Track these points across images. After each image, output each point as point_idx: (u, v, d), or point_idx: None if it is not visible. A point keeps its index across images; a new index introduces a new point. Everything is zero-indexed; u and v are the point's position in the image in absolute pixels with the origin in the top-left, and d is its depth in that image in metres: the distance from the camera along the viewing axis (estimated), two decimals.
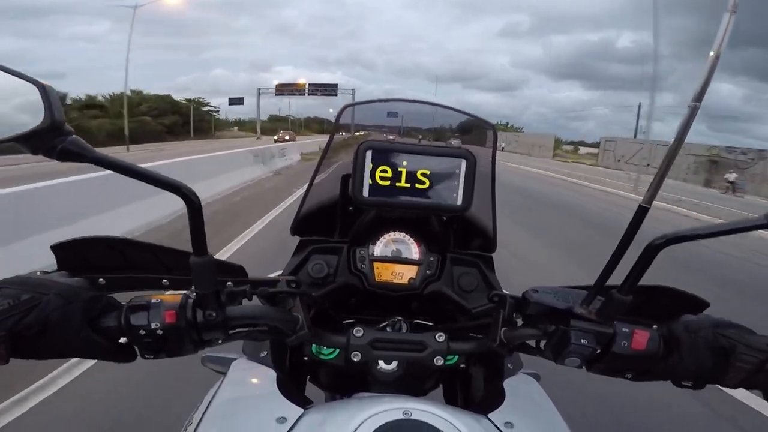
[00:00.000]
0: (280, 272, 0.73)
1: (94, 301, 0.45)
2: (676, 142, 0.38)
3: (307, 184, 0.75)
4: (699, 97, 0.36)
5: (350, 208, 0.75)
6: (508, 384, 0.64)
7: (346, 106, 0.72)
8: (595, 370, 0.52)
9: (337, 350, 0.70)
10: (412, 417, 0.47)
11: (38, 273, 0.47)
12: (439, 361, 0.61)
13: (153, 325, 0.45)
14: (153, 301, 0.46)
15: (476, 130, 0.78)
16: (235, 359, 0.74)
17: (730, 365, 0.47)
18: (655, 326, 0.53)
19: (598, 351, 0.49)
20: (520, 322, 0.58)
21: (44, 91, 0.35)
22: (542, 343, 0.54)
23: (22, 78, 0.35)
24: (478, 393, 0.75)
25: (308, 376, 0.81)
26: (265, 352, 0.71)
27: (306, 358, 0.72)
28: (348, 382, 0.73)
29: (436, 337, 0.61)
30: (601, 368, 0.51)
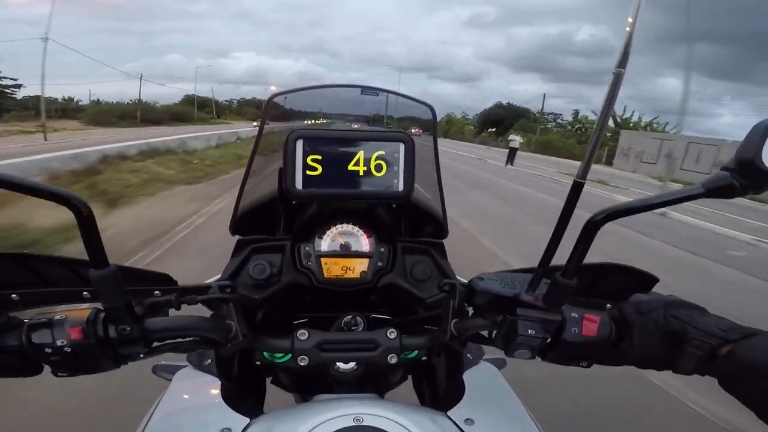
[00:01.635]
0: (219, 276, 0.69)
1: None
2: (605, 110, 0.36)
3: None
4: (622, 63, 0.35)
5: (292, 202, 0.71)
6: (468, 376, 0.62)
7: (274, 95, 0.68)
8: (549, 359, 0.50)
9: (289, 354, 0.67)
10: (363, 423, 0.45)
11: None
12: (393, 359, 0.59)
13: (59, 343, 0.42)
14: (56, 318, 0.43)
15: (419, 113, 0.75)
16: (183, 368, 0.71)
17: (682, 351, 0.45)
18: (608, 306, 0.53)
19: (549, 340, 0.48)
20: (471, 311, 0.57)
21: None
22: (494, 334, 0.52)
23: None
24: (442, 385, 0.73)
25: (270, 379, 0.77)
26: (209, 360, 0.67)
27: (258, 363, 0.68)
28: (310, 382, 0.71)
29: (388, 333, 0.59)
30: (554, 357, 0.50)
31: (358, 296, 0.73)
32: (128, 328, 0.44)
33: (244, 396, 0.65)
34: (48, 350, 0.43)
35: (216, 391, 0.58)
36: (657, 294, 0.52)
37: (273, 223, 0.73)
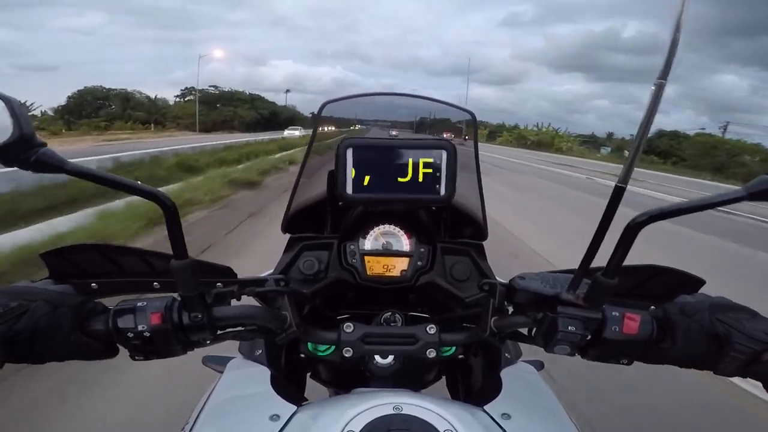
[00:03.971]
0: (272, 271, 0.74)
1: (81, 306, 0.47)
2: (646, 120, 0.37)
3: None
4: (664, 74, 0.36)
5: (339, 204, 0.75)
6: (506, 374, 0.63)
7: (325, 103, 0.72)
8: (589, 356, 0.51)
9: (333, 347, 0.70)
10: (402, 412, 0.47)
11: (25, 282, 0.48)
12: (431, 354, 0.61)
13: (140, 328, 0.46)
14: (139, 304, 0.47)
15: (461, 119, 0.78)
16: (234, 358, 0.75)
17: (724, 354, 0.45)
18: (652, 308, 0.53)
19: (589, 337, 0.48)
20: (511, 310, 0.58)
21: (10, 104, 0.35)
22: (533, 331, 0.53)
23: None
24: (477, 384, 0.75)
25: (309, 373, 0.82)
26: (260, 351, 0.71)
27: (303, 356, 0.73)
28: (348, 377, 0.74)
29: (428, 329, 0.61)
30: (594, 354, 0.50)
31: (397, 294, 0.76)
32: (200, 315, 0.48)
33: (291, 386, 0.69)
34: (130, 334, 0.46)
35: (266, 380, 0.61)
36: (704, 295, 0.52)
37: (321, 222, 0.78)
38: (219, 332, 0.52)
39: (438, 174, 0.61)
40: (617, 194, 0.40)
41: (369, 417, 0.46)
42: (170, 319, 0.47)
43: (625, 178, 0.39)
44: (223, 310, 0.51)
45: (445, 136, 0.65)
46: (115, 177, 0.40)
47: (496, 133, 57.77)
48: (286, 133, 31.62)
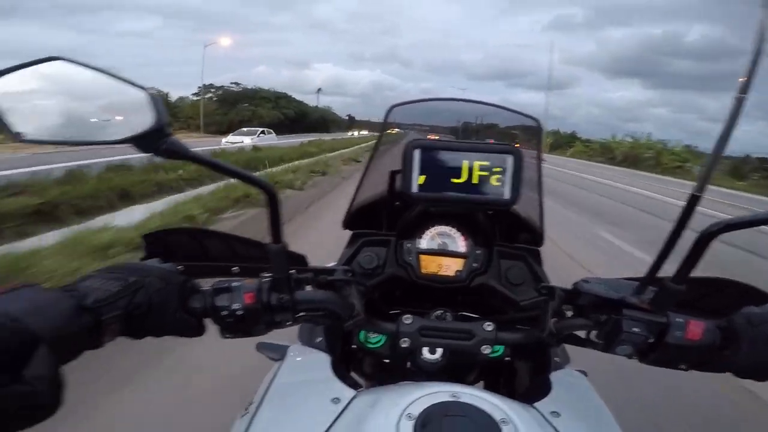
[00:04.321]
0: (334, 263, 0.78)
1: (184, 284, 0.50)
2: (725, 133, 0.38)
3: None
4: (744, 89, 0.36)
5: (396, 203, 0.79)
6: (555, 377, 0.64)
7: (393, 106, 0.76)
8: (648, 360, 0.51)
9: (383, 339, 0.73)
10: (460, 399, 0.48)
11: (133, 261, 0.53)
12: (486, 350, 0.62)
13: (234, 306, 0.49)
14: (234, 284, 0.50)
15: (522, 127, 0.80)
16: (287, 346, 0.79)
17: None
18: (722, 319, 0.52)
19: (651, 340, 0.49)
20: (569, 314, 0.59)
21: (152, 96, 0.41)
22: (592, 334, 0.54)
23: (132, 85, 0.41)
24: (521, 387, 0.76)
25: (352, 366, 0.85)
26: (320, 338, 0.75)
27: (354, 346, 0.76)
28: (390, 372, 0.77)
29: (485, 326, 0.62)
30: (654, 359, 0.50)
31: (448, 294, 0.78)
32: (286, 297, 0.52)
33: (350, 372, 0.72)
34: (224, 312, 0.49)
35: (326, 365, 0.63)
36: None
37: (379, 220, 0.82)
38: (296, 315, 0.55)
39: (503, 178, 0.63)
40: (692, 203, 0.41)
41: (428, 402, 0.47)
42: (261, 299, 0.50)
43: (701, 187, 0.40)
44: (304, 294, 0.55)
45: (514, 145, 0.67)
46: (228, 165, 0.45)
47: (563, 143, 50.69)
48: (228, 139, 21.70)
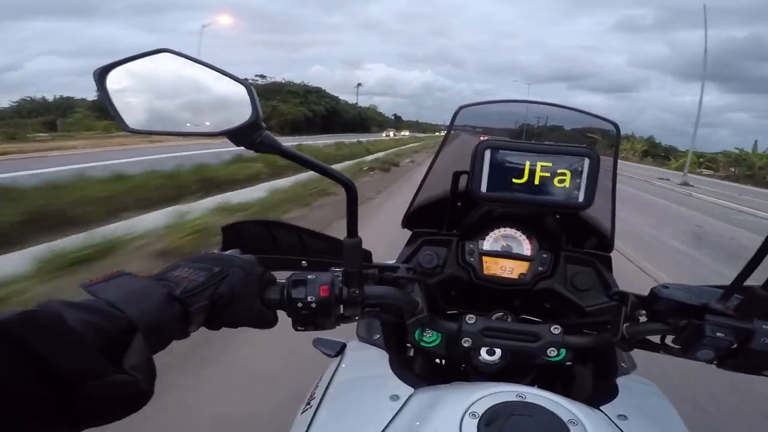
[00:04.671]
0: (394, 261, 0.79)
1: (263, 276, 0.50)
2: None
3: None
4: None
5: (458, 204, 0.78)
6: (622, 381, 0.62)
7: (461, 107, 0.76)
8: (728, 366, 0.50)
9: (439, 338, 0.73)
10: (526, 399, 0.47)
11: (213, 251, 0.54)
12: (552, 353, 0.61)
13: (309, 299, 0.49)
14: (310, 276, 0.50)
15: (598, 130, 0.78)
16: (343, 342, 0.80)
17: None
18: None
19: (735, 346, 0.47)
20: (642, 320, 0.57)
21: (250, 91, 0.42)
22: (668, 339, 0.53)
23: (233, 79, 0.43)
24: (581, 391, 0.73)
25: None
26: (378, 335, 0.75)
27: (408, 345, 0.76)
28: (443, 373, 0.76)
29: (552, 329, 0.61)
30: (734, 364, 0.49)
31: (506, 297, 0.77)
32: (357, 291, 0.51)
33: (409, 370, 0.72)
34: (300, 304, 0.49)
35: (384, 362, 0.64)
36: None
37: (439, 220, 0.81)
38: (364, 309, 0.55)
39: (578, 181, 0.62)
40: None
41: (493, 401, 0.47)
42: (334, 292, 0.51)
43: None
44: (372, 289, 0.55)
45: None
46: (314, 161, 0.47)
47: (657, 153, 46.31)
48: None
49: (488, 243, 0.77)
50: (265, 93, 42.76)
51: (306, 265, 0.63)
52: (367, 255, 0.65)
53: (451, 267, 0.77)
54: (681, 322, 0.50)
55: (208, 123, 0.44)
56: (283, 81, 47.94)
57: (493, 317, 0.73)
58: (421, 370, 0.83)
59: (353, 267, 0.51)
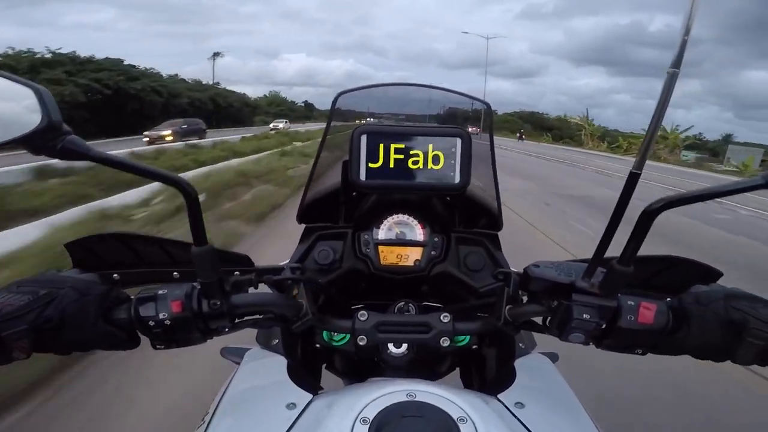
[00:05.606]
0: (288, 260, 0.75)
1: (105, 295, 0.47)
2: (659, 109, 0.37)
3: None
4: (677, 63, 0.36)
5: (353, 194, 0.76)
6: (520, 364, 0.63)
7: (340, 93, 0.73)
8: (604, 346, 0.50)
9: (348, 336, 0.71)
10: (416, 399, 0.47)
11: (53, 271, 0.49)
12: (445, 342, 0.60)
13: (161, 316, 0.46)
14: (160, 292, 0.47)
15: (476, 110, 0.78)
16: (251, 349, 0.77)
17: (741, 340, 0.45)
18: (668, 299, 0.52)
19: (604, 326, 0.48)
20: (525, 299, 0.58)
21: (40, 93, 0.37)
22: (548, 320, 0.53)
23: (18, 82, 0.37)
24: (491, 375, 0.75)
25: (325, 364, 0.83)
26: (277, 341, 0.72)
27: (318, 346, 0.74)
28: (362, 368, 0.75)
29: (441, 317, 0.61)
30: (609, 344, 0.49)
31: (411, 284, 0.77)
32: (219, 303, 0.48)
33: (307, 375, 0.70)
34: (151, 323, 0.46)
35: (282, 369, 0.61)
36: (719, 286, 0.51)
37: (335, 213, 0.79)
38: (237, 320, 0.52)
39: (452, 162, 0.61)
40: (632, 181, 0.40)
41: (383, 404, 0.46)
42: (190, 306, 0.47)
43: (639, 164, 0.39)
44: (242, 297, 0.51)
45: (470, 129, 0.65)
46: (138, 164, 0.42)
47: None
48: None
49: (383, 232, 0.75)
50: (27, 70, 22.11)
51: (178, 276, 0.59)
52: (244, 259, 0.61)
53: (349, 260, 0.75)
54: (553, 303, 0.50)
55: None
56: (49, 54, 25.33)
57: (396, 308, 0.73)
58: (344, 367, 0.81)
59: (209, 277, 0.47)
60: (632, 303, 0.47)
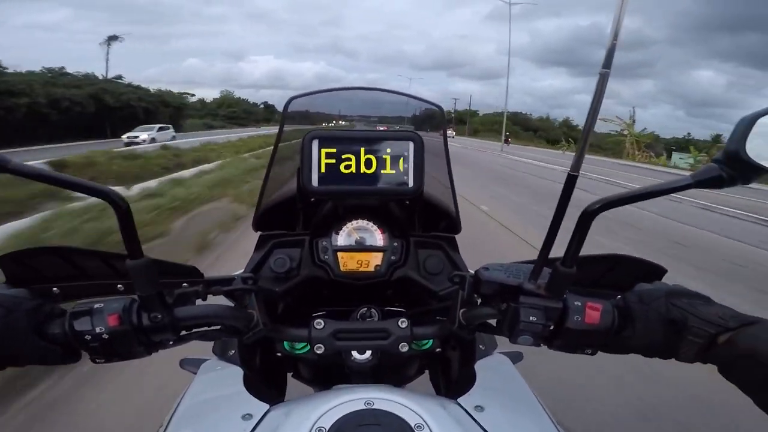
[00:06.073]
0: (242, 270, 0.73)
1: (37, 310, 0.45)
2: (592, 109, 0.38)
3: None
4: (607, 63, 0.36)
5: (311, 200, 0.75)
6: (480, 366, 0.63)
7: (292, 98, 0.71)
8: (555, 347, 0.50)
9: (308, 345, 0.70)
10: (373, 407, 0.47)
11: None
12: (404, 348, 0.60)
13: (98, 330, 0.45)
14: (96, 306, 0.46)
15: (430, 114, 0.78)
16: (207, 360, 0.75)
17: (682, 339, 0.45)
18: (618, 297, 0.52)
19: (551, 327, 0.48)
20: (480, 301, 0.58)
21: None
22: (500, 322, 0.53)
23: None
24: (455, 377, 0.75)
25: (291, 373, 0.81)
26: (233, 351, 0.71)
27: (279, 354, 0.72)
28: (328, 375, 0.74)
29: (399, 323, 0.61)
30: (558, 344, 0.50)
31: (373, 290, 0.76)
32: (159, 316, 0.47)
33: (265, 385, 0.68)
34: (88, 337, 0.45)
35: (238, 380, 0.60)
36: (661, 284, 0.52)
37: (292, 219, 0.77)
38: (183, 333, 0.51)
39: (406, 166, 0.61)
40: (570, 182, 0.40)
41: (340, 413, 0.46)
42: (129, 320, 0.46)
43: (576, 166, 0.39)
44: (186, 310, 0.50)
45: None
46: (63, 176, 0.40)
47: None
48: None
49: (342, 238, 0.74)
50: None
51: (123, 288, 0.56)
52: (191, 270, 0.59)
53: (307, 268, 0.73)
54: (503, 305, 0.50)
55: None
56: None
57: (359, 314, 0.72)
58: (310, 374, 0.80)
59: (146, 290, 0.46)
60: (579, 303, 0.48)
